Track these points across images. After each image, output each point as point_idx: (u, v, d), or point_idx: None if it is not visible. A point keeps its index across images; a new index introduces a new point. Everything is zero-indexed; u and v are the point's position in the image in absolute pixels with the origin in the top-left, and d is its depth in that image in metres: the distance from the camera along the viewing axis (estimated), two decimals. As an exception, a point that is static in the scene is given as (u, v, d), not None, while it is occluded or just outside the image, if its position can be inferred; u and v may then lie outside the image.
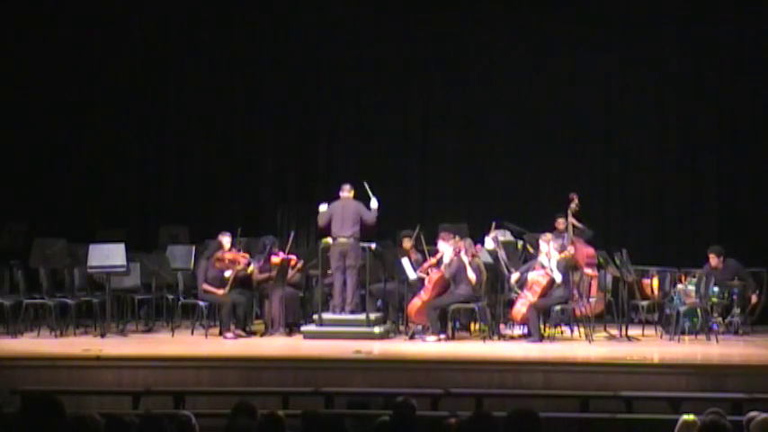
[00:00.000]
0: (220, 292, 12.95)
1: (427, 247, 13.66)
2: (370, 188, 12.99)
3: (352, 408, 9.40)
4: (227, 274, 13.04)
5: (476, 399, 9.66)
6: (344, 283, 12.88)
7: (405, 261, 12.99)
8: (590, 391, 10.00)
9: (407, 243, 13.63)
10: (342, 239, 12.87)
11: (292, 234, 13.79)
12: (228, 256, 13.09)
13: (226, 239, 13.20)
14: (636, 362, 10.88)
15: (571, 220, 14.00)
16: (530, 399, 9.69)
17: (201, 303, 13.14)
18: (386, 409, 7.41)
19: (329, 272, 13.24)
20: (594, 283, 13.63)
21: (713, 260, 13.47)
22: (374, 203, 13.01)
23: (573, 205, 13.99)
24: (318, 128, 16.46)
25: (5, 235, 14.19)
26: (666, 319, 13.24)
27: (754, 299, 13.59)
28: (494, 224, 13.68)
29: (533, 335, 12.51)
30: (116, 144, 16.12)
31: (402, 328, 13.25)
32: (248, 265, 13.25)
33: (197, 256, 13.50)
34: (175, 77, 16.28)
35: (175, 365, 10.87)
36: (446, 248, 12.77)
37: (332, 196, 13.31)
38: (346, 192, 13.08)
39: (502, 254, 13.13)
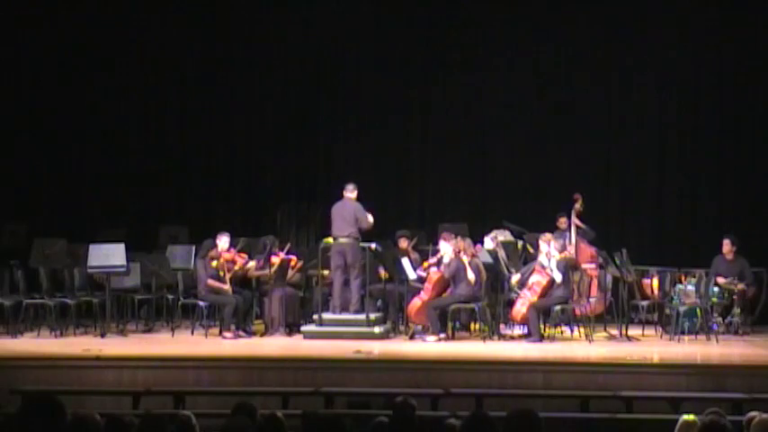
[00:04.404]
0: (226, 286, 12.93)
1: (427, 246, 13.68)
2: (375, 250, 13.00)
3: (352, 408, 9.40)
4: (223, 272, 13.03)
5: (476, 399, 9.66)
6: (345, 283, 12.89)
7: (405, 261, 12.99)
8: (590, 391, 10.01)
9: (404, 243, 13.63)
10: (341, 240, 12.88)
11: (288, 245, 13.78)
12: (226, 256, 13.07)
13: (223, 239, 13.17)
14: (636, 362, 10.88)
15: (574, 220, 13.99)
16: (530, 399, 9.70)
17: (201, 303, 13.14)
18: (386, 409, 7.41)
19: (326, 272, 13.26)
20: (594, 283, 13.64)
21: (726, 246, 13.52)
22: (370, 218, 13.01)
23: (577, 206, 13.98)
24: (318, 128, 16.46)
25: (5, 235, 14.19)
26: (666, 319, 13.24)
27: (750, 291, 13.58)
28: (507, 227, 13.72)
29: (533, 335, 12.51)
30: (116, 144, 16.11)
31: (402, 328, 13.25)
32: (246, 263, 13.24)
33: (196, 257, 13.50)
34: (175, 77, 16.28)
35: (175, 365, 10.87)
36: (447, 248, 12.77)
37: (332, 196, 13.32)
38: (349, 192, 13.07)
39: (502, 254, 13.13)
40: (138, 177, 16.23)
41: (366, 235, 13.08)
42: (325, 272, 13.31)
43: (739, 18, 15.38)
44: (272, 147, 16.37)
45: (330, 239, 13.06)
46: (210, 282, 12.99)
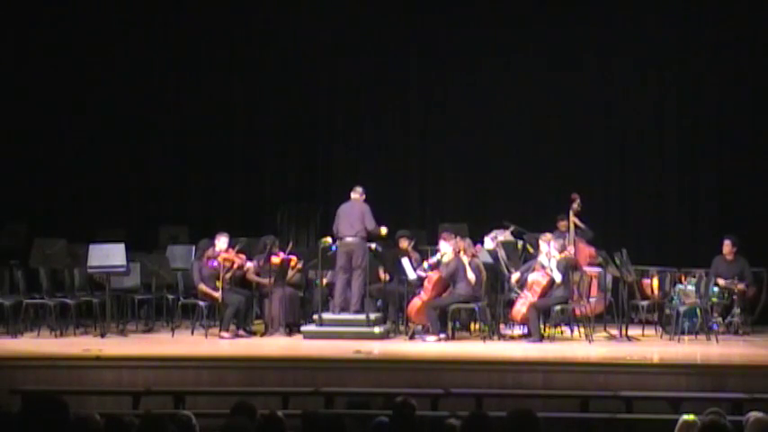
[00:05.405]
0: (216, 294, 12.93)
1: (427, 246, 13.68)
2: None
3: (352, 408, 9.39)
4: (228, 274, 13.03)
5: (476, 399, 9.66)
6: (348, 284, 12.89)
7: (405, 261, 13.00)
8: (590, 391, 10.00)
9: (404, 243, 13.63)
10: (348, 239, 12.87)
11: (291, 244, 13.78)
12: (224, 256, 13.06)
13: (222, 240, 13.16)
14: (636, 362, 10.88)
15: (573, 219, 13.99)
16: (529, 399, 9.70)
17: (201, 303, 13.14)
18: (386, 409, 7.41)
19: (325, 272, 13.26)
20: (594, 283, 13.63)
21: (726, 247, 13.50)
22: (383, 230, 13.02)
23: (575, 205, 13.97)
24: (318, 128, 16.46)
25: (5, 235, 14.19)
26: (666, 319, 13.24)
27: (750, 291, 13.57)
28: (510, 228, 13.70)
29: (533, 335, 12.51)
30: (116, 144, 16.11)
31: (402, 328, 13.25)
32: (244, 263, 13.24)
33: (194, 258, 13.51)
34: (176, 78, 16.28)
35: (175, 365, 10.87)
36: (447, 248, 12.77)
37: (332, 196, 13.33)
38: (357, 194, 13.08)
39: (502, 254, 13.13)
40: (138, 177, 16.23)
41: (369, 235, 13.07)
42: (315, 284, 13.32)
43: (740, 17, 15.37)
44: (272, 147, 16.37)
45: (328, 239, 13.06)
46: (202, 287, 12.99)
